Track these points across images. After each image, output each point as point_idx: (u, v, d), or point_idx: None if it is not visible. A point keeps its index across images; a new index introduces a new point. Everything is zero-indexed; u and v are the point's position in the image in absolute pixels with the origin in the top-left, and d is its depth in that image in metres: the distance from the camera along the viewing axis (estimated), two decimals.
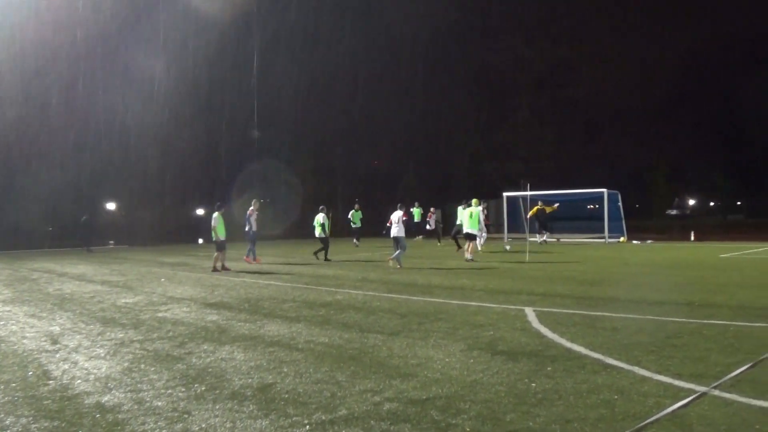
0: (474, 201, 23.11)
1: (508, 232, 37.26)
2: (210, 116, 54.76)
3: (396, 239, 20.64)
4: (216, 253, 20.89)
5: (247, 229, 23.39)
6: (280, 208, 53.00)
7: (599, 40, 66.09)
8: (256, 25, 55.52)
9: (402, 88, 63.28)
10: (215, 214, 20.92)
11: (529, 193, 32.15)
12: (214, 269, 20.72)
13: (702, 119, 66.15)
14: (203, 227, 39.15)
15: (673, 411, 5.38)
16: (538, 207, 31.90)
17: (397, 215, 21.06)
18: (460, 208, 25.73)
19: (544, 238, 32.20)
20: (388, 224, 23.32)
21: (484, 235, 26.89)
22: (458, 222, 26.29)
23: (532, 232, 32.02)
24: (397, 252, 20.46)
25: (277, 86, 57.77)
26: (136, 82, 51.79)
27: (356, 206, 33.06)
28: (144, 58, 52.01)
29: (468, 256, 22.23)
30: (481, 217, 25.02)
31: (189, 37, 52.66)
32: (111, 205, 53.61)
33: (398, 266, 20.22)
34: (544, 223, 32.39)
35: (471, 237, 22.52)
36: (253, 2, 54.25)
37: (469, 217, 22.23)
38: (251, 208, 23.34)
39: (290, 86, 58.19)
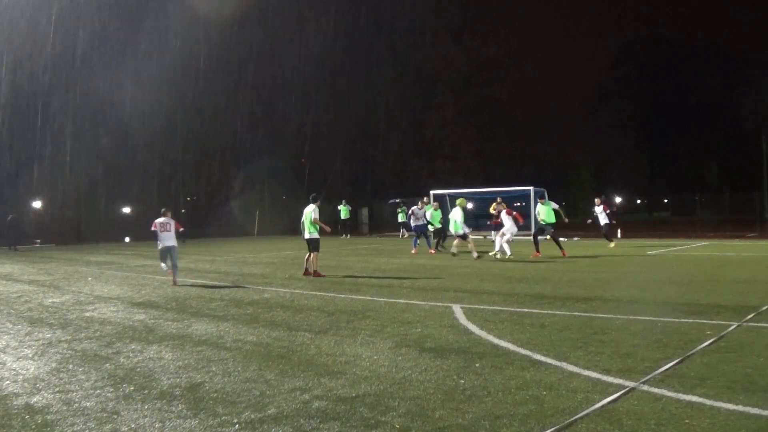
0: (459, 201, 22.44)
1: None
2: (138, 114, 53.38)
3: (165, 250, 15.68)
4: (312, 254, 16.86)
5: (419, 222, 25.45)
6: (207, 207, 52.49)
7: (524, 39, 66.98)
8: (190, 24, 54.57)
9: (329, 85, 63.12)
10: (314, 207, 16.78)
11: (455, 191, 32.03)
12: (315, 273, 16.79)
13: (627, 117, 67.58)
14: (129, 225, 38.42)
15: (603, 406, 5.39)
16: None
17: (159, 222, 15.66)
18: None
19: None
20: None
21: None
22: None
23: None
24: (162, 266, 16.02)
25: (205, 83, 57.07)
26: (61, 77, 50.29)
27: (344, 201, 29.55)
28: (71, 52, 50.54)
29: (454, 250, 22.43)
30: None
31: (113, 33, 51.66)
32: (37, 204, 52.16)
33: (174, 282, 15.60)
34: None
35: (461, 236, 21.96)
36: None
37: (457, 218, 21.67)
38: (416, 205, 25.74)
39: (219, 84, 57.47)
